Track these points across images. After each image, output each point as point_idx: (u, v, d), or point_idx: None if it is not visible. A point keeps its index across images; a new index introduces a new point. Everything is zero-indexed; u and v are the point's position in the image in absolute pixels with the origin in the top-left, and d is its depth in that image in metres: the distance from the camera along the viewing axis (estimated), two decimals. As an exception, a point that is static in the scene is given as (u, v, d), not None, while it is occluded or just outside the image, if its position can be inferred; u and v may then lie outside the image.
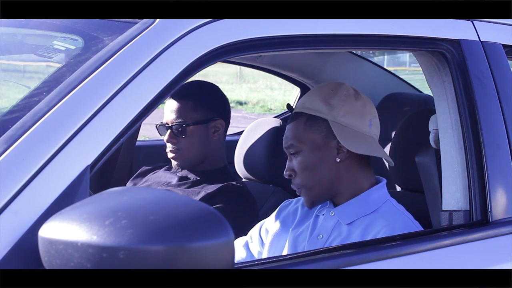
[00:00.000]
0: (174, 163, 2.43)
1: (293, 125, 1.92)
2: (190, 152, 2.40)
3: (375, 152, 1.89)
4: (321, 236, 1.88)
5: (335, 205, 1.91)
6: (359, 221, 1.85)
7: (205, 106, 2.41)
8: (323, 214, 1.93)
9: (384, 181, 1.93)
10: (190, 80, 2.30)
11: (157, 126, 2.44)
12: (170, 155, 2.42)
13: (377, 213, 1.85)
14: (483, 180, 1.72)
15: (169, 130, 2.39)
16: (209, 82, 2.54)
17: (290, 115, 1.98)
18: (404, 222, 1.82)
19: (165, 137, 2.40)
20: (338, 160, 1.87)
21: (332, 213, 1.90)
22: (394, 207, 1.87)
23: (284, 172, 1.93)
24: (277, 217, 2.04)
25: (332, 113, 1.87)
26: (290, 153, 1.91)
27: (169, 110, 2.41)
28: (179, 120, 2.38)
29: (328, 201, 1.94)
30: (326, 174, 1.88)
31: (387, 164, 2.25)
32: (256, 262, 1.47)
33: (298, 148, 1.89)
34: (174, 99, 2.42)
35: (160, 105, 1.41)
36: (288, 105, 2.07)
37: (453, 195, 1.75)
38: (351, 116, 1.87)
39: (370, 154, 1.88)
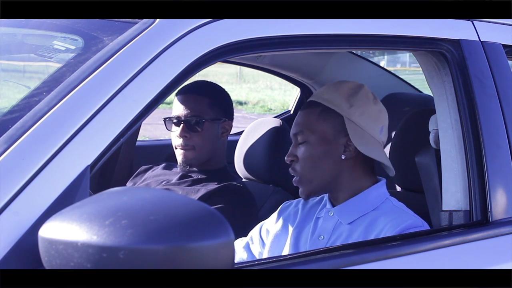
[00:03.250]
0: (181, 160, 2.39)
1: (306, 112, 1.92)
2: (202, 149, 2.38)
3: (381, 158, 1.89)
4: (322, 237, 1.88)
5: (334, 204, 1.91)
6: (360, 220, 1.85)
7: (219, 105, 2.43)
8: (322, 216, 1.92)
9: (384, 180, 1.93)
10: (193, 80, 2.31)
11: (165, 120, 2.41)
12: (179, 151, 2.39)
13: (378, 210, 1.85)
14: (483, 180, 1.72)
15: (182, 124, 2.37)
16: (219, 85, 2.55)
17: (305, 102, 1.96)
18: (407, 216, 1.82)
19: (178, 132, 2.37)
20: (343, 157, 1.88)
21: (331, 213, 1.90)
22: (394, 205, 1.87)
23: (286, 157, 1.92)
24: (277, 218, 2.03)
25: (349, 111, 1.88)
26: (297, 140, 1.90)
27: (183, 104, 2.39)
28: (195, 114, 2.37)
29: (326, 202, 1.94)
30: (329, 169, 1.88)
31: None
32: (256, 262, 1.47)
33: (307, 137, 1.88)
34: (190, 94, 2.41)
35: (160, 105, 1.41)
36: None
37: (453, 195, 1.75)
38: (366, 118, 1.88)
39: (375, 158, 1.88)
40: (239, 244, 2.09)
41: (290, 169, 1.92)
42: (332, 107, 1.88)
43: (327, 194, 1.96)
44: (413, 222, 1.79)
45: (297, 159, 1.89)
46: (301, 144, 1.89)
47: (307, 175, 1.89)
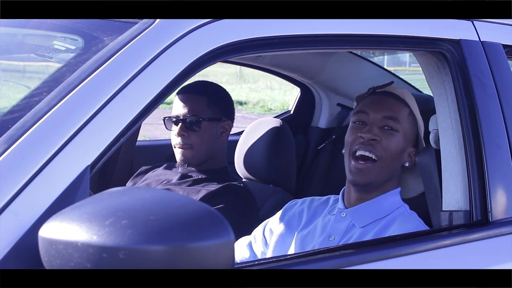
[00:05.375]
0: (179, 158, 2.41)
1: (399, 105, 1.93)
2: (200, 147, 2.39)
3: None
4: (333, 237, 1.87)
5: (347, 206, 1.90)
6: (372, 225, 1.85)
7: (218, 105, 2.43)
8: (334, 214, 1.91)
9: (399, 188, 1.94)
10: (191, 80, 2.32)
11: (165, 119, 2.43)
12: (178, 150, 2.41)
13: (390, 217, 1.86)
14: (483, 180, 1.72)
15: (180, 123, 2.38)
16: (219, 85, 2.56)
17: (383, 91, 1.97)
18: (417, 227, 1.82)
19: (176, 131, 2.39)
20: (406, 164, 1.92)
21: (343, 214, 1.88)
22: (407, 212, 1.88)
23: (370, 135, 1.86)
24: (282, 217, 2.03)
25: (422, 128, 1.95)
26: (385, 123, 1.89)
27: (181, 104, 2.40)
28: (194, 114, 2.38)
29: (338, 201, 1.93)
30: (395, 169, 1.91)
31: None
32: (256, 262, 1.47)
33: (400, 128, 1.90)
34: (189, 94, 2.42)
35: (160, 105, 1.41)
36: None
37: (453, 195, 1.75)
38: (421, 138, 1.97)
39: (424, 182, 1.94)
40: (242, 242, 2.09)
41: (366, 146, 1.86)
42: (417, 117, 1.94)
43: (341, 193, 1.96)
44: None
45: (380, 141, 1.87)
46: (390, 131, 1.89)
47: (384, 160, 1.87)
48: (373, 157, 1.86)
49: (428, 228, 1.85)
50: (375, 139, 1.86)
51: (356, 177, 1.86)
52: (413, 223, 1.83)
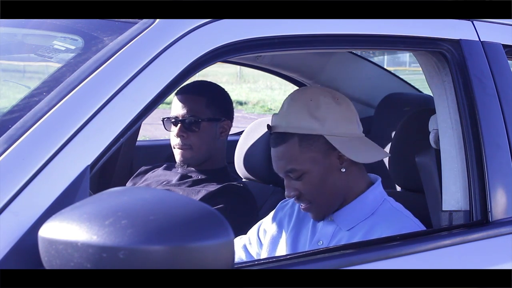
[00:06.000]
0: (179, 159, 2.41)
1: (286, 147, 1.83)
2: (200, 148, 2.39)
3: (377, 155, 1.86)
4: (321, 242, 1.87)
5: (333, 210, 1.90)
6: (359, 226, 1.83)
7: (217, 105, 2.43)
8: (322, 220, 1.91)
9: (379, 179, 1.91)
10: (191, 80, 2.32)
11: (164, 120, 2.42)
12: (177, 151, 2.41)
13: (376, 215, 1.83)
14: (483, 180, 1.72)
15: (179, 124, 2.38)
16: (218, 84, 2.56)
17: (272, 137, 1.88)
18: (404, 222, 1.81)
19: (175, 131, 2.39)
20: (343, 170, 1.83)
21: (330, 218, 1.88)
22: (392, 207, 1.85)
23: (288, 194, 1.85)
24: (274, 218, 2.03)
25: (324, 128, 1.80)
26: (291, 177, 1.83)
27: (180, 104, 2.40)
28: (192, 114, 2.38)
29: None
30: (335, 186, 1.84)
31: (387, 164, 2.25)
32: (256, 262, 1.47)
33: (301, 171, 1.81)
34: (187, 94, 2.42)
35: (161, 105, 1.41)
36: (269, 126, 1.93)
37: (453, 195, 1.75)
38: (342, 124, 1.82)
39: (374, 160, 1.85)
40: (237, 242, 2.08)
41: (296, 201, 1.87)
42: (308, 132, 1.80)
43: None
44: (410, 228, 1.78)
45: (300, 192, 1.84)
46: (299, 179, 1.83)
47: (317, 201, 1.84)
48: (307, 204, 1.85)
49: (416, 219, 1.83)
50: (295, 194, 1.84)
51: (313, 216, 1.88)
52: (402, 221, 1.81)
